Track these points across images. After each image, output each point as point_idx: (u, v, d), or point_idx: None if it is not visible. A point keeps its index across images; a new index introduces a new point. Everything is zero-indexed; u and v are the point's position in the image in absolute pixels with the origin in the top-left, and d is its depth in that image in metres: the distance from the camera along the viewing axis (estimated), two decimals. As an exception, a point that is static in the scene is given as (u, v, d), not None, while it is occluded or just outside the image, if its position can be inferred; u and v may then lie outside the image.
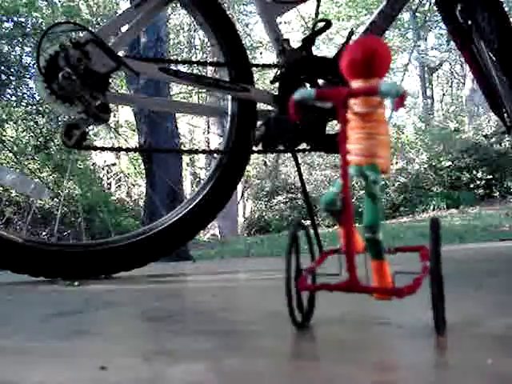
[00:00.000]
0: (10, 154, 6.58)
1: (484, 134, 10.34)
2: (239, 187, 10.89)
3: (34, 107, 6.38)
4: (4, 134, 6.68)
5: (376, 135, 0.67)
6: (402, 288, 0.62)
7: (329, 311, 0.66)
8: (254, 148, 1.74)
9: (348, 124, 0.67)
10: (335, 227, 8.71)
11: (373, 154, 0.66)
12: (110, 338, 0.75)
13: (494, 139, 10.01)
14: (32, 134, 6.55)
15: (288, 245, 0.69)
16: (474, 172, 9.64)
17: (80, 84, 1.51)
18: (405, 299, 0.62)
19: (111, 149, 1.96)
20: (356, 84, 0.68)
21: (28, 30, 6.38)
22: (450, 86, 18.27)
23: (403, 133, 11.93)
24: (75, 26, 1.80)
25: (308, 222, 1.31)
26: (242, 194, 12.39)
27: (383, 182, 10.16)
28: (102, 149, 1.77)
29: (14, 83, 6.45)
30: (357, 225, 0.65)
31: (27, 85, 6.49)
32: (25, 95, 6.59)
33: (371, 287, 0.67)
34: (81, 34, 1.62)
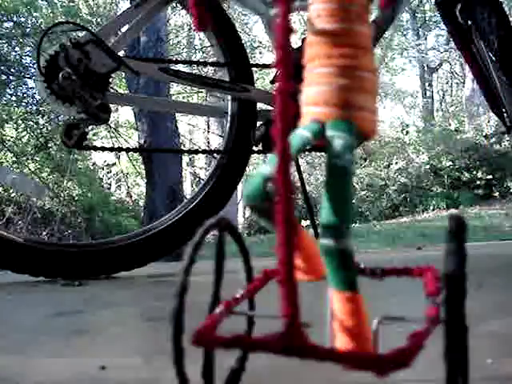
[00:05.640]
0: (10, 154, 6.58)
1: (484, 134, 10.34)
2: (239, 187, 10.90)
3: (34, 107, 6.38)
4: (4, 133, 6.68)
5: (354, 70, 0.39)
6: (386, 356, 0.33)
7: (328, 311, 0.66)
8: (254, 148, 1.74)
9: (306, 50, 0.40)
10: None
11: (347, 102, 0.38)
12: (110, 338, 0.75)
13: (494, 139, 10.01)
14: (32, 134, 6.55)
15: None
16: (474, 172, 9.64)
17: (80, 84, 1.51)
18: (404, 298, 0.61)
19: (111, 149, 1.96)
20: None
21: (28, 30, 6.38)
22: (450, 86, 18.28)
23: (408, 132, 11.87)
24: (75, 26, 1.80)
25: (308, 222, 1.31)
26: (242, 194, 12.38)
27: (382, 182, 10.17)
28: (102, 149, 1.77)
29: (14, 83, 6.45)
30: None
31: (27, 85, 6.49)
32: (25, 95, 6.60)
33: (332, 351, 0.36)
34: (81, 34, 1.62)
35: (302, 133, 0.39)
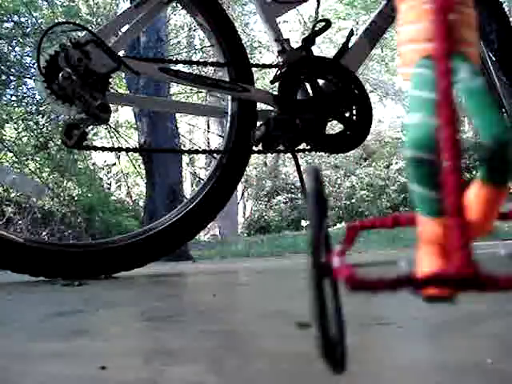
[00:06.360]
0: (10, 154, 6.58)
1: (484, 134, 10.33)
2: (239, 187, 10.90)
3: (34, 107, 6.38)
4: (4, 133, 6.68)
5: (460, 6, 0.39)
6: None
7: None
8: (254, 148, 1.75)
9: None
10: (335, 227, 8.68)
11: (459, 36, 0.39)
12: (110, 338, 0.75)
13: (494, 139, 10.01)
14: (32, 134, 6.54)
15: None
16: (474, 172, 9.65)
17: (80, 84, 1.51)
18: (403, 298, 0.61)
19: (111, 149, 1.96)
20: None
21: (28, 30, 6.38)
22: (450, 86, 18.24)
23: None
24: (75, 26, 1.80)
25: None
26: (242, 194, 12.39)
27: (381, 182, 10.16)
28: (102, 149, 1.77)
29: (14, 83, 6.45)
30: None
31: (27, 85, 6.49)
32: (25, 95, 6.59)
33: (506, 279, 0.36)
34: (81, 34, 1.62)
35: (423, 71, 0.39)
